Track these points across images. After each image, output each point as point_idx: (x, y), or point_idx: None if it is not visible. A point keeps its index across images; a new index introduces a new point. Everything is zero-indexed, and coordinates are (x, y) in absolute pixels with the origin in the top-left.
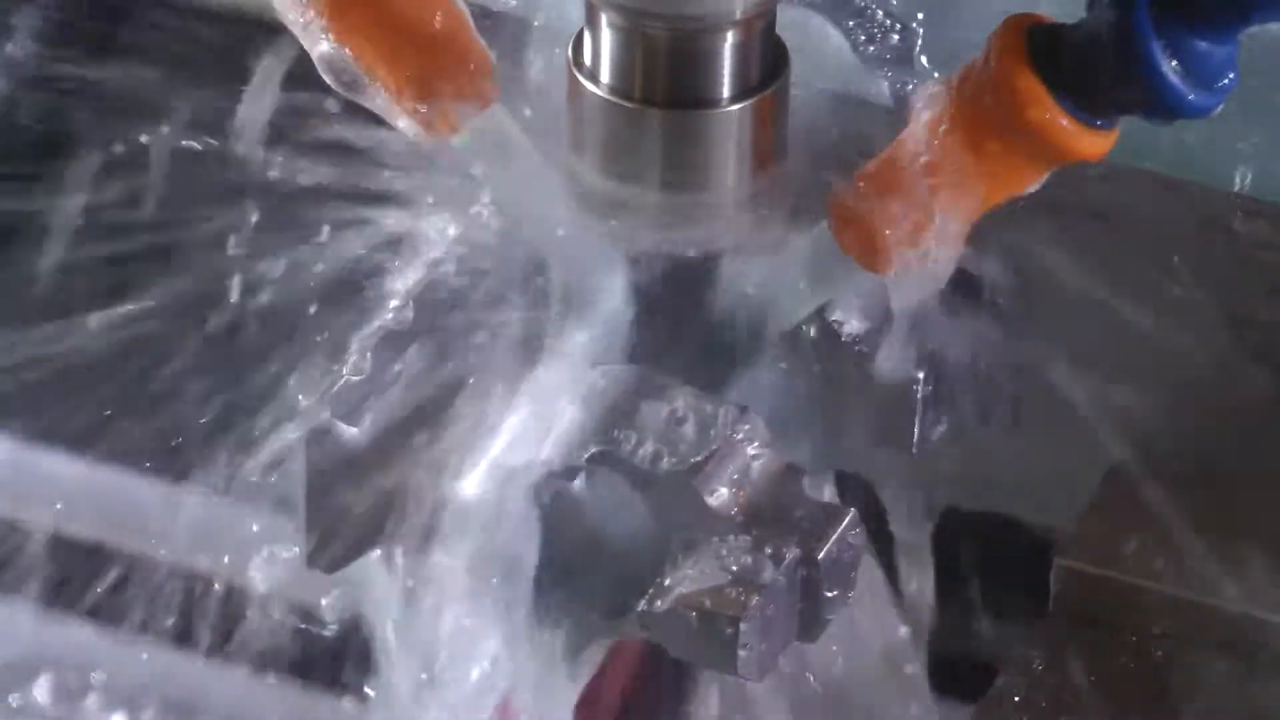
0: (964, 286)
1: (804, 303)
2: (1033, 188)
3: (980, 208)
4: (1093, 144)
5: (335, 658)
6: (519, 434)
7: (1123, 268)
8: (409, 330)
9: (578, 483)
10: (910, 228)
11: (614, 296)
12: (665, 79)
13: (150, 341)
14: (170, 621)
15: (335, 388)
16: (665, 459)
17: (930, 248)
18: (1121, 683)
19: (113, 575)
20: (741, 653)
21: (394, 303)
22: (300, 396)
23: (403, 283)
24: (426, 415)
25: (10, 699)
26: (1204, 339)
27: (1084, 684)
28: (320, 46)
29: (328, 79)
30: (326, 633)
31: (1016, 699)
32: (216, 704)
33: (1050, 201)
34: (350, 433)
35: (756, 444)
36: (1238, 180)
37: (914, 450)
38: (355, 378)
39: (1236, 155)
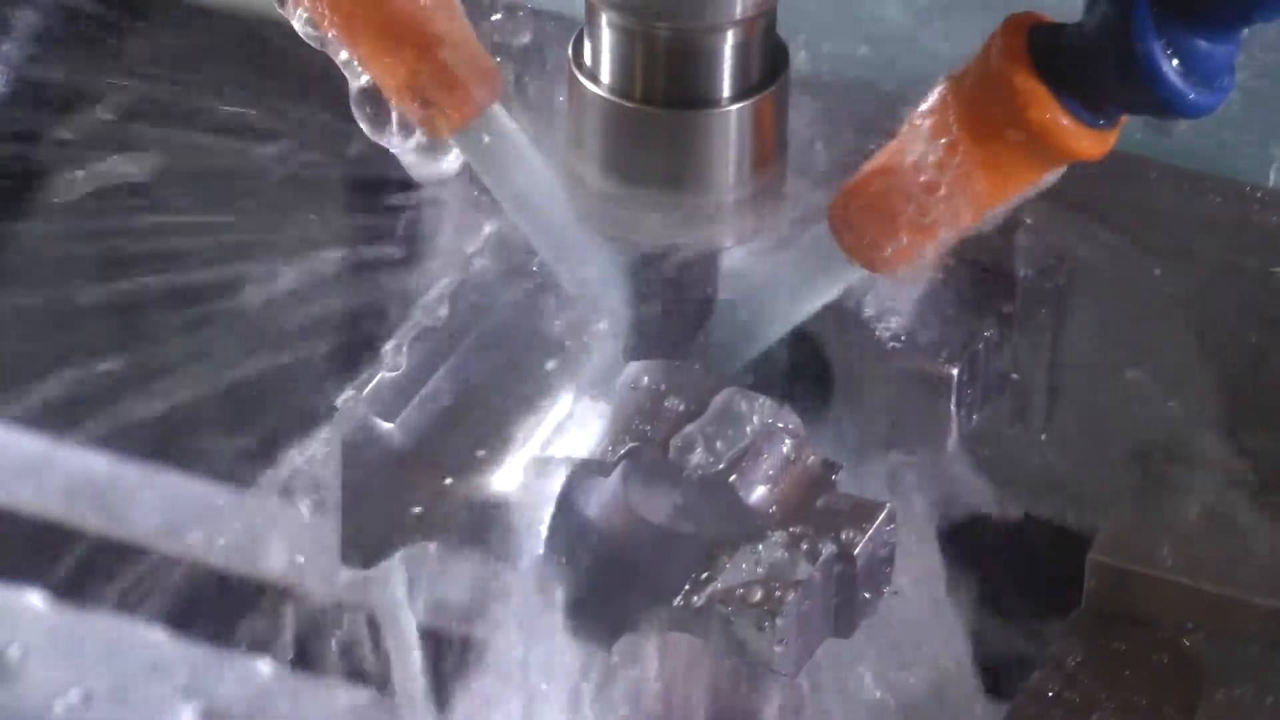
0: (998, 282)
1: (804, 303)
2: (1033, 189)
3: (980, 208)
4: (1093, 144)
5: (366, 653)
6: (555, 429)
7: (1157, 263)
8: (444, 327)
9: (614, 478)
10: (910, 228)
11: (614, 296)
12: (665, 79)
13: (184, 338)
14: (204, 618)
15: (372, 384)
16: (701, 454)
17: (930, 248)
18: (1156, 679)
19: (145, 571)
20: (778, 648)
21: (429, 299)
22: (338, 392)
23: (438, 279)
24: (462, 411)
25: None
26: (1242, 333)
27: (1118, 680)
28: (360, 82)
29: (360, 118)
30: (359, 628)
31: (1050, 695)
32: (243, 699)
33: (1084, 197)
34: (386, 428)
35: (792, 438)
36: (1272, 176)
37: (949, 446)
38: (391, 374)
39: (1271, 152)
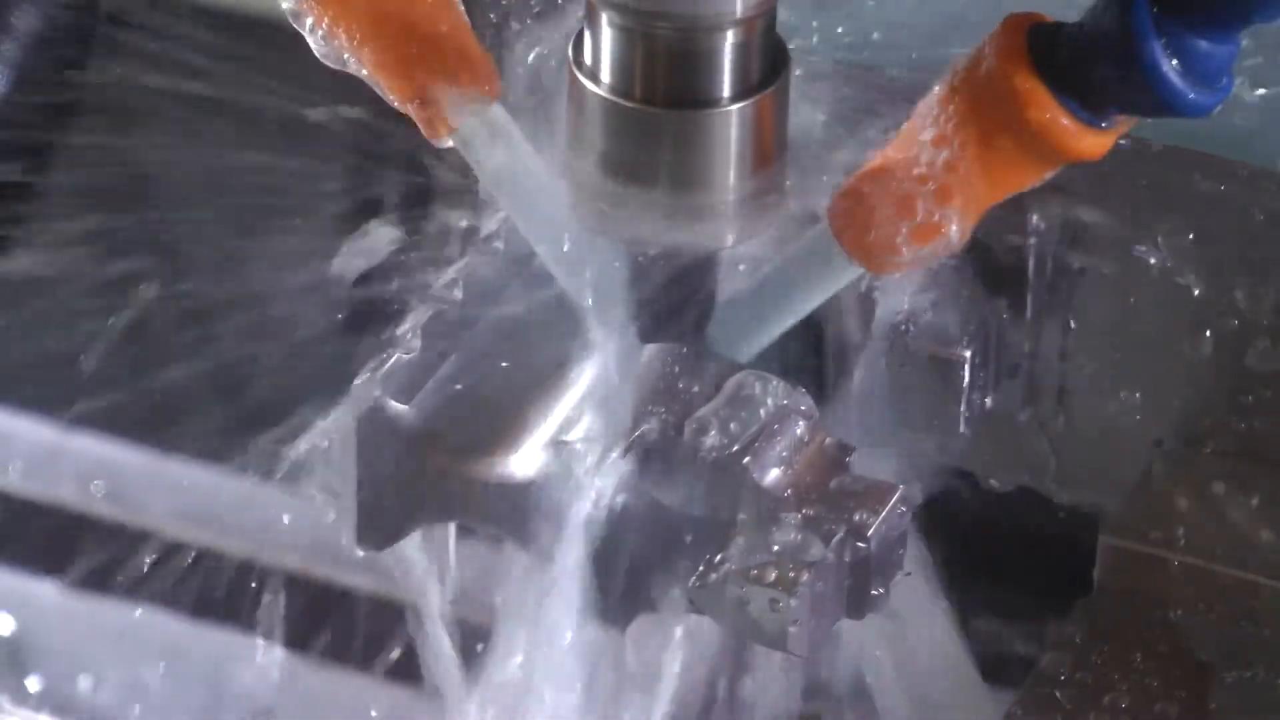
0: (1010, 265)
1: (804, 303)
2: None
3: (980, 207)
4: (1093, 144)
5: (380, 638)
6: (570, 412)
7: (1172, 245)
8: (459, 309)
9: (628, 461)
10: (910, 228)
11: (613, 296)
12: (665, 78)
13: (198, 322)
14: (217, 604)
15: (386, 366)
16: (716, 436)
17: (930, 248)
18: (1167, 661)
19: (159, 558)
20: (792, 629)
21: (444, 281)
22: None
23: (452, 262)
24: (477, 393)
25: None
26: (1255, 316)
27: (1129, 663)
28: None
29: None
30: (372, 613)
31: (1061, 678)
32: (260, 688)
33: (1096, 179)
34: (401, 410)
35: (806, 420)
36: None
37: (961, 429)
38: (406, 356)
39: None
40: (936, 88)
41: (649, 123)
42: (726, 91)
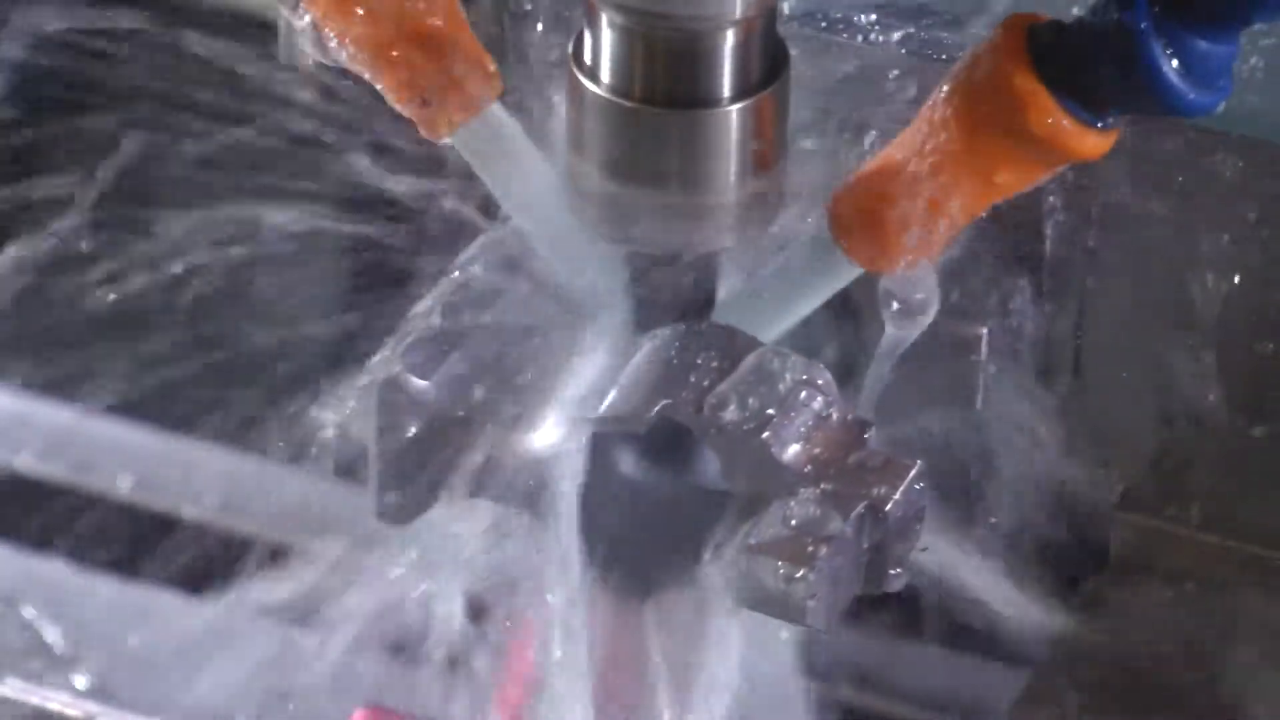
0: (1027, 242)
1: (804, 303)
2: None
3: (980, 207)
4: (1093, 144)
5: (395, 612)
6: (590, 387)
7: (1185, 224)
8: (478, 284)
9: (648, 436)
10: (910, 228)
11: (613, 297)
12: (665, 78)
13: (217, 298)
14: (232, 586)
15: (406, 341)
16: (734, 411)
17: (929, 247)
18: (1181, 636)
19: (177, 542)
20: (810, 603)
21: (463, 257)
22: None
23: (472, 236)
24: (496, 368)
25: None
26: (1270, 291)
27: (1143, 638)
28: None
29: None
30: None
31: (1078, 651)
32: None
33: (1114, 157)
34: (421, 385)
35: (824, 396)
36: None
37: (977, 406)
38: (425, 331)
39: None
40: (937, 86)
41: (649, 122)
42: (727, 91)
